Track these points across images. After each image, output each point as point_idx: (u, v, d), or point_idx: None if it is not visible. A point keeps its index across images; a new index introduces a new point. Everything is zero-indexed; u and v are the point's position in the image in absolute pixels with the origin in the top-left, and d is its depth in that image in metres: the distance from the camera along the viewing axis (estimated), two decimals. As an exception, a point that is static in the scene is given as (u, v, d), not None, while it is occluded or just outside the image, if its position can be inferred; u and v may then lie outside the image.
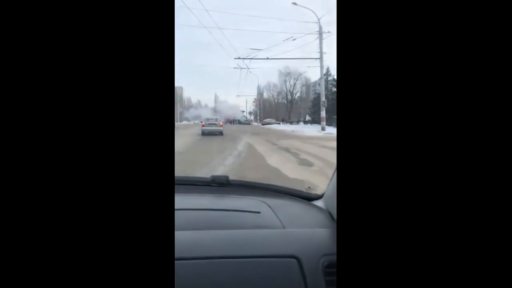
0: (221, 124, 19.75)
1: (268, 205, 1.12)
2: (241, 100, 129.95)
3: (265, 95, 65.02)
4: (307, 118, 48.63)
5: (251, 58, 22.53)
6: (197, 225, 0.92)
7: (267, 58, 23.54)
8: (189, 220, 0.95)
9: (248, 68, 28.65)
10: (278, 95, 62.66)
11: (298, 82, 58.54)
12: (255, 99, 65.21)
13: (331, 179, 1.13)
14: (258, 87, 61.65)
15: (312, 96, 54.60)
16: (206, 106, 77.63)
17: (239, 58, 22.08)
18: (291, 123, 47.79)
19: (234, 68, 23.55)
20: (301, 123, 44.58)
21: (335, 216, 1.02)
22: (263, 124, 49.00)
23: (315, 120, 41.14)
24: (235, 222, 0.99)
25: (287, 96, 59.72)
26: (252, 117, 67.50)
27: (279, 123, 48.53)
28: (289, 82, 59.21)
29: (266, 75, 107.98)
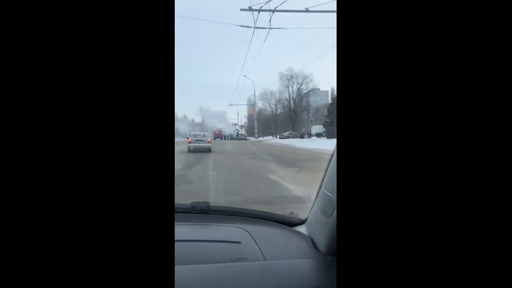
0: (209, 140, 18.60)
1: (249, 233, 1.10)
2: (232, 111, 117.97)
3: (261, 104, 54.47)
4: (317, 130, 38.34)
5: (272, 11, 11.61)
6: (177, 259, 0.82)
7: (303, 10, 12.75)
8: None
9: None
10: (277, 104, 52.29)
11: (304, 87, 48.41)
12: (251, 107, 54.47)
13: (313, 204, 1.10)
14: (253, 95, 51.29)
15: (316, 104, 44.99)
16: (188, 119, 67.02)
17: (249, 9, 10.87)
18: (301, 136, 37.16)
19: (241, 26, 10.11)
20: (314, 137, 34.06)
21: (316, 243, 1.00)
22: (281, 138, 37.79)
23: (331, 132, 31.12)
24: (215, 254, 0.97)
25: (289, 104, 49.42)
26: (243, 131, 56.79)
27: (300, 137, 36.83)
28: (292, 87, 49.18)
29: (262, 81, 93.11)
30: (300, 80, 47.81)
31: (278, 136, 42.93)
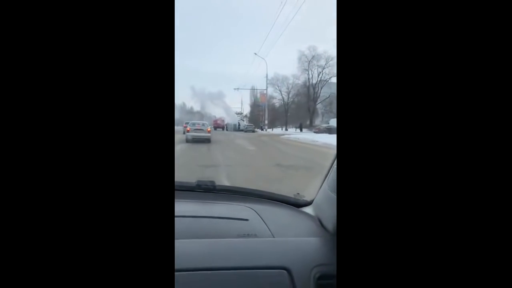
0: (209, 130, 16.96)
1: (256, 212, 1.10)
2: (233, 99, 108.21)
3: (270, 91, 45.64)
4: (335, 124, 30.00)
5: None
6: (183, 233, 0.86)
7: None
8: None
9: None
10: (290, 92, 43.83)
11: (326, 71, 39.89)
12: (262, 94, 45.82)
13: (321, 185, 1.10)
14: (266, 77, 42.42)
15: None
16: (187, 106, 58.42)
17: None
18: (328, 131, 28.80)
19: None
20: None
21: (325, 223, 1.00)
22: (315, 132, 28.91)
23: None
24: (223, 230, 0.96)
25: (308, 92, 41.03)
26: (246, 122, 48.42)
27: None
28: (311, 71, 40.78)
29: (275, 65, 78.71)
30: (322, 63, 39.55)
31: (313, 130, 33.71)
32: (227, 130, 43.68)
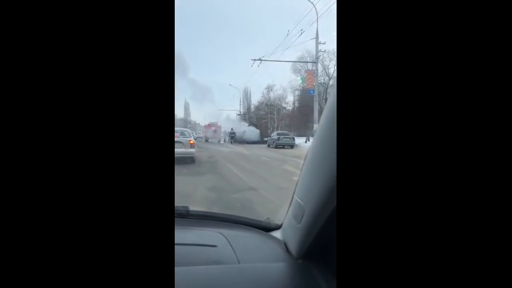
0: (192, 142, 9.95)
1: (225, 237, 1.13)
2: (226, 96, 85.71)
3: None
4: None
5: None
6: None
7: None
8: None
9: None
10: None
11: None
12: (309, 72, 25.28)
13: (288, 209, 1.10)
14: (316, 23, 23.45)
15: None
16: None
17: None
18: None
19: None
20: None
21: (289, 247, 1.02)
22: None
23: None
24: (191, 257, 0.98)
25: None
26: (245, 125, 30.06)
27: None
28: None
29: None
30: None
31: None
32: (231, 142, 25.82)
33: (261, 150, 17.23)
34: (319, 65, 21.08)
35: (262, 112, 36.72)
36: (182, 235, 1.14)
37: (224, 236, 1.13)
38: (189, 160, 9.49)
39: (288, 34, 27.97)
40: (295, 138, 21.78)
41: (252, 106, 39.98)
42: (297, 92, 31.98)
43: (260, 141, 24.93)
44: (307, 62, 23.89)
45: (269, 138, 22.67)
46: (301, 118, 29.93)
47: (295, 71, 30.74)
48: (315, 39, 20.22)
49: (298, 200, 0.89)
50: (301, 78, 25.00)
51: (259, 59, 19.98)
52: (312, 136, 22.19)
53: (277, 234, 1.19)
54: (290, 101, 35.32)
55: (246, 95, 40.09)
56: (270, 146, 20.45)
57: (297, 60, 26.79)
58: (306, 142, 23.36)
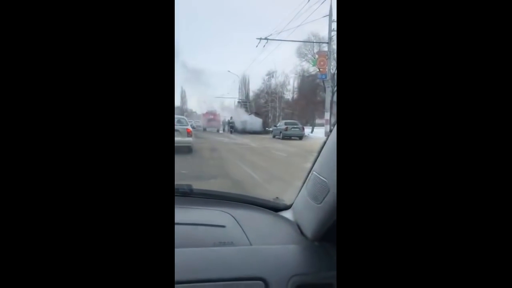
0: (189, 130, 9.35)
1: (234, 218, 1.07)
2: (223, 83, 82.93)
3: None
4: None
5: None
6: None
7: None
8: None
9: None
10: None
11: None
12: (320, 54, 22.72)
13: (300, 189, 1.07)
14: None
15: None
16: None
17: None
18: None
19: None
20: None
21: (304, 229, 0.98)
22: None
23: None
24: (199, 238, 0.94)
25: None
26: (245, 113, 27.75)
27: None
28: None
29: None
30: None
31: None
32: (231, 131, 23.69)
33: (269, 142, 15.24)
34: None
35: (263, 101, 34.41)
36: (186, 214, 1.08)
37: (232, 216, 1.07)
38: (186, 149, 8.84)
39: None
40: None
41: (251, 94, 37.67)
42: (301, 78, 29.72)
43: (262, 131, 22.79)
44: (319, 42, 21.50)
45: (274, 128, 20.39)
46: (306, 107, 27.75)
47: (300, 55, 28.45)
48: (328, 16, 17.82)
49: (321, 177, 0.84)
50: (312, 60, 22.56)
51: (266, 38, 17.60)
52: (317, 126, 19.81)
53: (286, 214, 1.14)
54: (294, 88, 33.10)
55: (245, 83, 37.68)
56: (276, 136, 18.22)
57: (305, 40, 24.40)
58: (312, 132, 21.31)
